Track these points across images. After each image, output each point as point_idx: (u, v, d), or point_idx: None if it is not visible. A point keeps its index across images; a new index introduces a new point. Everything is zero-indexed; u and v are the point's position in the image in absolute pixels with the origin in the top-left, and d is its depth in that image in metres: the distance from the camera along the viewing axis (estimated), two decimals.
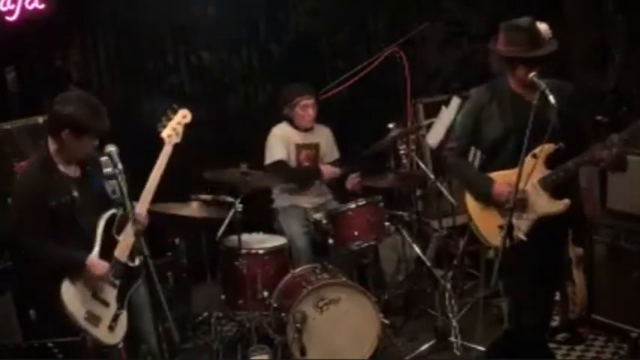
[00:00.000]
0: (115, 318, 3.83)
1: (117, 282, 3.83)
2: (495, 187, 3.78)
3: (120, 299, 3.85)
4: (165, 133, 4.08)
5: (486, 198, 3.83)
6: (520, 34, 3.70)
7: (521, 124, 3.63)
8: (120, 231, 3.83)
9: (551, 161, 3.70)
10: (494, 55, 3.79)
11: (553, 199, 3.73)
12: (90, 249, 3.78)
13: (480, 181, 3.87)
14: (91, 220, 3.81)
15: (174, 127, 4.09)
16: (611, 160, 3.62)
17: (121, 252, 3.81)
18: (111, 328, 3.82)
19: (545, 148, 3.64)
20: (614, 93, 5.79)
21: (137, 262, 3.83)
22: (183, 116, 4.15)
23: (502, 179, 3.77)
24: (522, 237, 3.69)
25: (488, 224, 3.88)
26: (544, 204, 3.74)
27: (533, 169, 3.62)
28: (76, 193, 3.80)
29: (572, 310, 4.75)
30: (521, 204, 3.68)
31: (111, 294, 3.84)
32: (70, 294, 3.73)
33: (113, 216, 3.84)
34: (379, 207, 5.13)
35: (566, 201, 3.73)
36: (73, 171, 3.85)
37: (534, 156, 3.67)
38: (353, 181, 5.41)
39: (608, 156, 3.61)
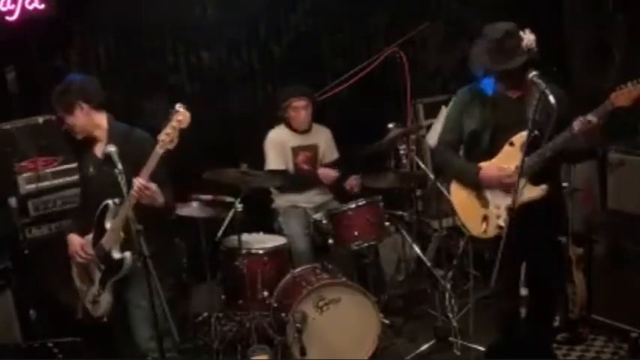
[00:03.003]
0: (97, 296, 4.01)
1: (102, 266, 3.95)
2: (483, 171, 3.89)
3: (101, 282, 3.98)
4: (159, 137, 3.71)
5: (475, 184, 3.94)
6: (489, 44, 3.81)
7: (499, 116, 3.85)
8: (109, 221, 3.91)
9: (528, 149, 3.74)
10: (471, 58, 3.91)
11: (531, 185, 3.80)
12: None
13: (467, 169, 3.99)
14: (102, 200, 3.91)
15: (167, 132, 3.68)
16: (585, 130, 3.64)
17: (107, 241, 3.90)
18: (93, 302, 4.04)
19: (520, 136, 3.75)
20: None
21: (117, 255, 3.87)
22: (178, 121, 3.66)
23: (487, 166, 3.89)
24: (503, 224, 3.77)
25: (470, 214, 4.00)
26: (524, 190, 3.79)
27: (510, 157, 3.75)
28: (92, 170, 3.99)
29: (572, 310, 4.76)
30: (510, 187, 3.76)
31: (96, 275, 4.01)
32: (72, 262, 4.15)
33: (106, 206, 3.90)
34: (379, 207, 5.13)
35: (544, 186, 3.81)
36: (100, 150, 4.00)
37: (511, 144, 3.80)
38: (352, 182, 5.41)
39: (582, 126, 3.64)
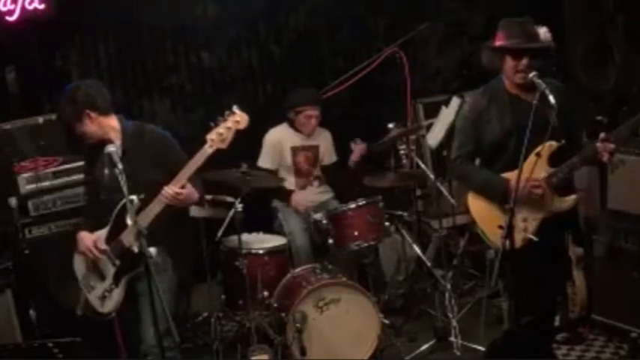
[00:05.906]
0: (108, 291, 4.01)
1: (117, 261, 3.95)
2: (511, 184, 3.69)
3: (116, 277, 3.97)
4: (208, 136, 3.75)
5: (502, 198, 3.73)
6: (512, 27, 3.77)
7: (520, 124, 3.66)
8: (130, 217, 3.86)
9: (553, 159, 3.70)
10: (485, 49, 3.83)
11: (559, 196, 3.73)
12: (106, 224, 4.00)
13: (493, 182, 3.82)
14: (116, 198, 3.86)
15: (220, 131, 3.72)
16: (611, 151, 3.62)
17: (127, 236, 3.87)
18: (102, 298, 4.03)
19: (548, 147, 3.64)
20: (614, 93, 5.80)
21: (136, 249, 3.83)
22: (235, 122, 3.73)
23: (514, 177, 3.69)
24: (532, 237, 3.70)
25: (492, 226, 3.81)
26: (553, 201, 3.73)
27: (536, 168, 3.62)
28: (107, 171, 3.94)
29: (572, 310, 4.76)
30: (538, 199, 3.70)
31: (109, 270, 3.99)
32: (76, 259, 4.15)
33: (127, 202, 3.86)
34: (379, 207, 5.13)
35: (574, 196, 3.75)
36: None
37: (537, 154, 3.65)
38: (358, 147, 5.36)
39: (608, 149, 3.60)
